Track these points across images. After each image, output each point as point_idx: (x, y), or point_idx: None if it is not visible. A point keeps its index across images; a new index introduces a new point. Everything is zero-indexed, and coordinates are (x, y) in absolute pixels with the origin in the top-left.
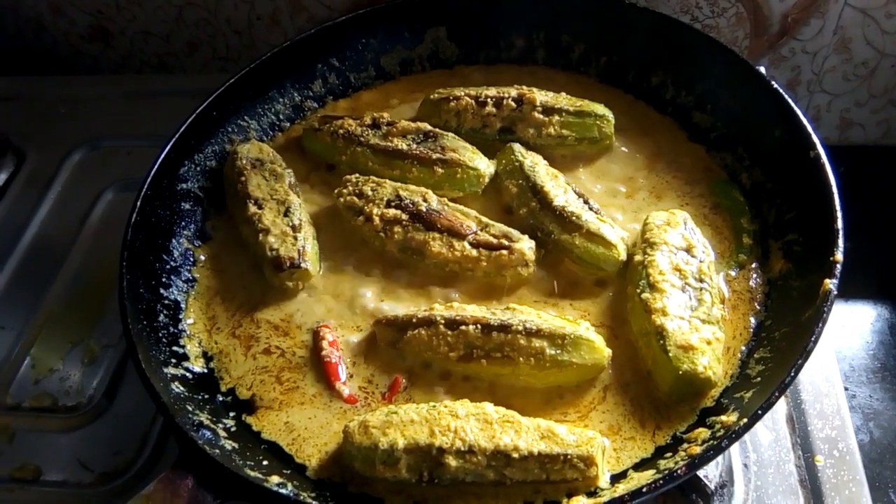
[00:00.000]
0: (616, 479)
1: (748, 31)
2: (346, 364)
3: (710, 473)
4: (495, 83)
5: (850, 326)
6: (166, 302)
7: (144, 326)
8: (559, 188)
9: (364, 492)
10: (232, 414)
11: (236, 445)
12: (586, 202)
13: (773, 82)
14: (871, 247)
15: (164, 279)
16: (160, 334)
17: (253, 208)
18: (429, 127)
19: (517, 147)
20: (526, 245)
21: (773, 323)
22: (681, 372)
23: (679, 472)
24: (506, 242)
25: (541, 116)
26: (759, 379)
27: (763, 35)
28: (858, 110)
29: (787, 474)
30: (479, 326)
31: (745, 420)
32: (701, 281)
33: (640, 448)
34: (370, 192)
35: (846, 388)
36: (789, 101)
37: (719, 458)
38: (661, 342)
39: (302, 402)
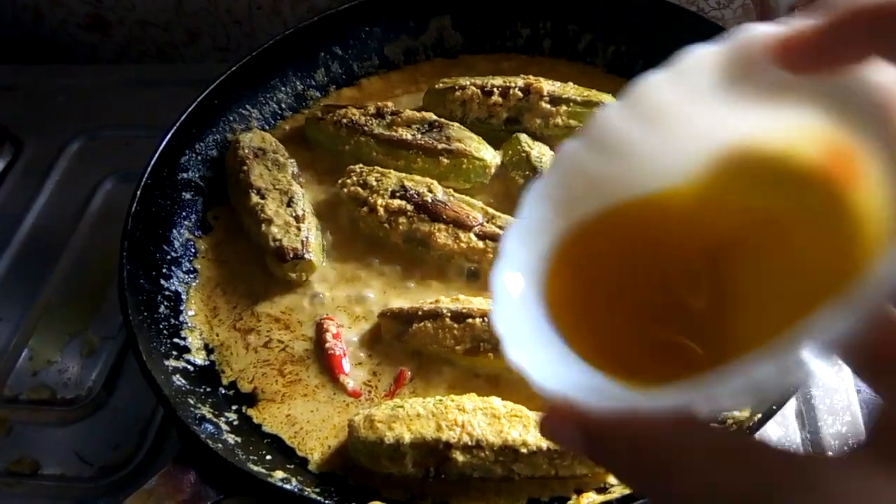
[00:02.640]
0: None
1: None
2: (350, 356)
3: None
4: (501, 73)
5: None
6: (167, 293)
7: (145, 318)
8: None
9: (363, 483)
10: (234, 407)
11: (239, 439)
12: None
13: None
14: None
15: (164, 270)
16: (161, 326)
17: (255, 198)
18: (434, 117)
19: (524, 137)
20: None
21: None
22: None
23: None
24: None
25: (548, 106)
26: None
27: None
28: None
29: None
30: (485, 319)
31: (759, 416)
32: None
33: None
34: (374, 183)
35: None
36: None
37: None
38: None
39: (305, 395)
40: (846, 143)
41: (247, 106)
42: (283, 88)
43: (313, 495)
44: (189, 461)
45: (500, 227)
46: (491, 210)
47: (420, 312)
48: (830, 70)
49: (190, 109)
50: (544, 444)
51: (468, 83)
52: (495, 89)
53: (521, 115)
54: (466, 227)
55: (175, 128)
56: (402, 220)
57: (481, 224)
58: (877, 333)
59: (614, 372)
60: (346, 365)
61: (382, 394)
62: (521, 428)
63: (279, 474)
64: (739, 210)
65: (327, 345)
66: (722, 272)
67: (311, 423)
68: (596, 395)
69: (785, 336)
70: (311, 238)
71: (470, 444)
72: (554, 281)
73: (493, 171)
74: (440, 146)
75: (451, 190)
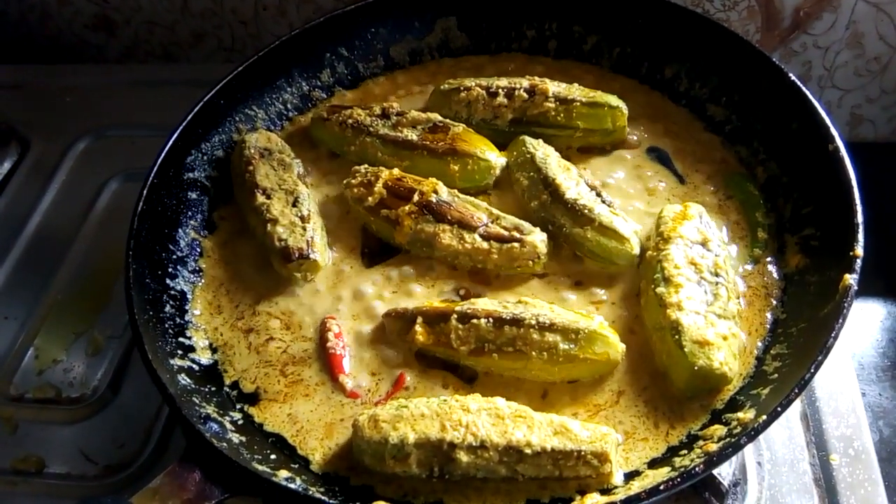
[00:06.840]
0: (630, 476)
1: (759, 25)
2: (351, 356)
3: (723, 471)
4: (506, 74)
5: (860, 325)
6: (172, 292)
7: (151, 317)
8: (571, 180)
9: (365, 483)
10: (238, 406)
11: (244, 439)
12: (599, 195)
13: (790, 74)
14: (880, 244)
15: (170, 269)
16: (166, 325)
17: (261, 198)
18: (439, 117)
19: (528, 139)
20: (538, 238)
21: (789, 319)
22: (696, 367)
23: (697, 469)
24: (517, 235)
25: (553, 107)
26: (776, 375)
27: (774, 29)
28: (869, 106)
29: (801, 473)
30: (490, 320)
31: (764, 417)
32: (717, 275)
33: (652, 448)
34: (379, 184)
35: None
36: (807, 93)
37: (733, 456)
38: (677, 337)
39: (306, 395)
40: None
41: (252, 106)
42: (288, 89)
43: (318, 494)
44: (194, 460)
45: (505, 228)
46: (495, 211)
47: (424, 313)
48: None
49: (196, 109)
50: (549, 445)
51: (473, 84)
52: (500, 90)
53: (526, 116)
54: (471, 228)
55: (181, 127)
56: (407, 220)
57: (486, 225)
58: None
59: None
60: (347, 365)
61: (379, 397)
62: (525, 429)
63: (283, 474)
64: None
65: (329, 344)
66: None
67: (310, 422)
68: None
69: None
70: (316, 238)
71: (474, 444)
72: None
73: (497, 171)
74: (445, 147)
75: (455, 190)
